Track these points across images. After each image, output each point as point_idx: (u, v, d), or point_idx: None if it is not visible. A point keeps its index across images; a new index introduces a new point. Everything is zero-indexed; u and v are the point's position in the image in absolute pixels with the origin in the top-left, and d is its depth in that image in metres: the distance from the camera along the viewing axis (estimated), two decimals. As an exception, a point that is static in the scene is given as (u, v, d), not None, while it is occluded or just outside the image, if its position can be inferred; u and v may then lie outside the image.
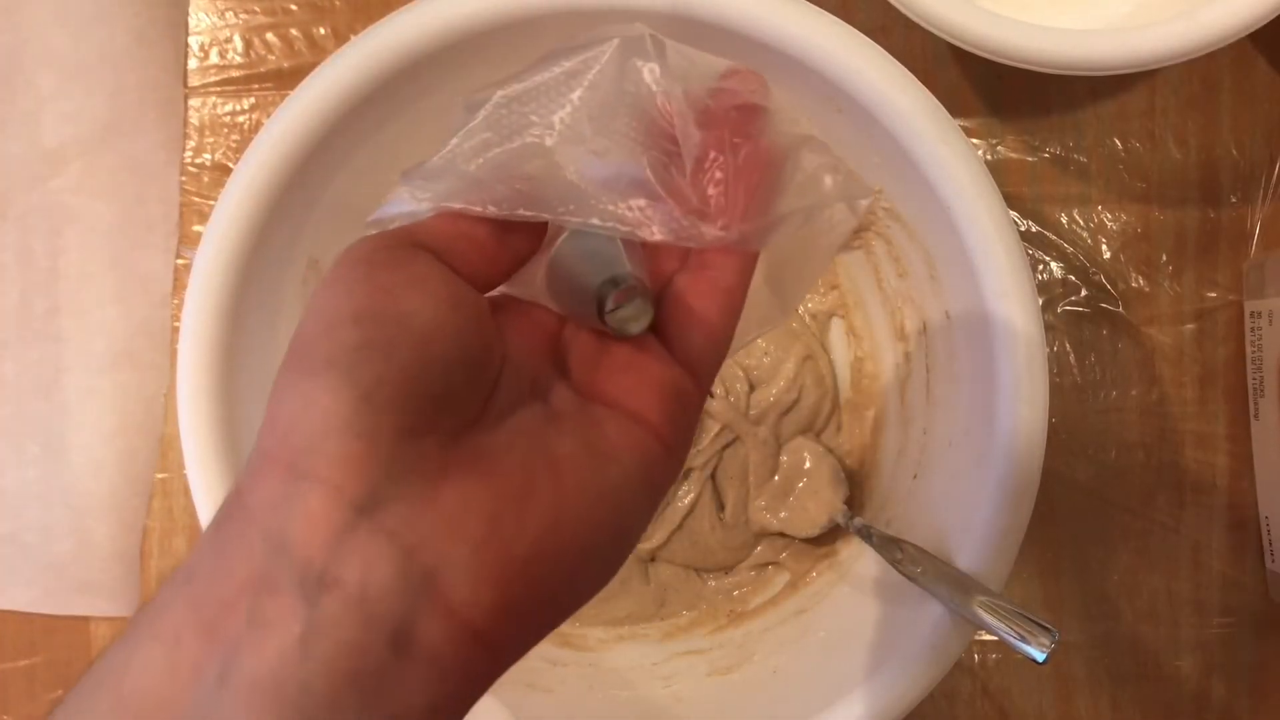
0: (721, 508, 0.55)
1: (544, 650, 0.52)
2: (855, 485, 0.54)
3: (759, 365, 0.54)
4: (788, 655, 0.49)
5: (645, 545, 0.54)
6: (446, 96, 0.47)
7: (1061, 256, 0.55)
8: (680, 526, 0.54)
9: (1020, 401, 0.41)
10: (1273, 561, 0.54)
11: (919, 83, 0.42)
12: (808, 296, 0.56)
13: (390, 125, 0.46)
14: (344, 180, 0.47)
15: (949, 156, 0.41)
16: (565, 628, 0.54)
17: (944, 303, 0.47)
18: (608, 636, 0.54)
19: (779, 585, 0.54)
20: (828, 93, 0.43)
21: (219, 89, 0.57)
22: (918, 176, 0.42)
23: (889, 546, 0.45)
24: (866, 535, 0.48)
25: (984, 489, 0.42)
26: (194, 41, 0.57)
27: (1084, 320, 0.55)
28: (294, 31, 0.57)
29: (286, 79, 0.57)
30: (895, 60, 0.42)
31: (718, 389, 0.54)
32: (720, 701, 0.48)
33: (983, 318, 0.42)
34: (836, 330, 0.56)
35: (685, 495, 0.54)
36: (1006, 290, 0.41)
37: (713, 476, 0.55)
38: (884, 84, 0.41)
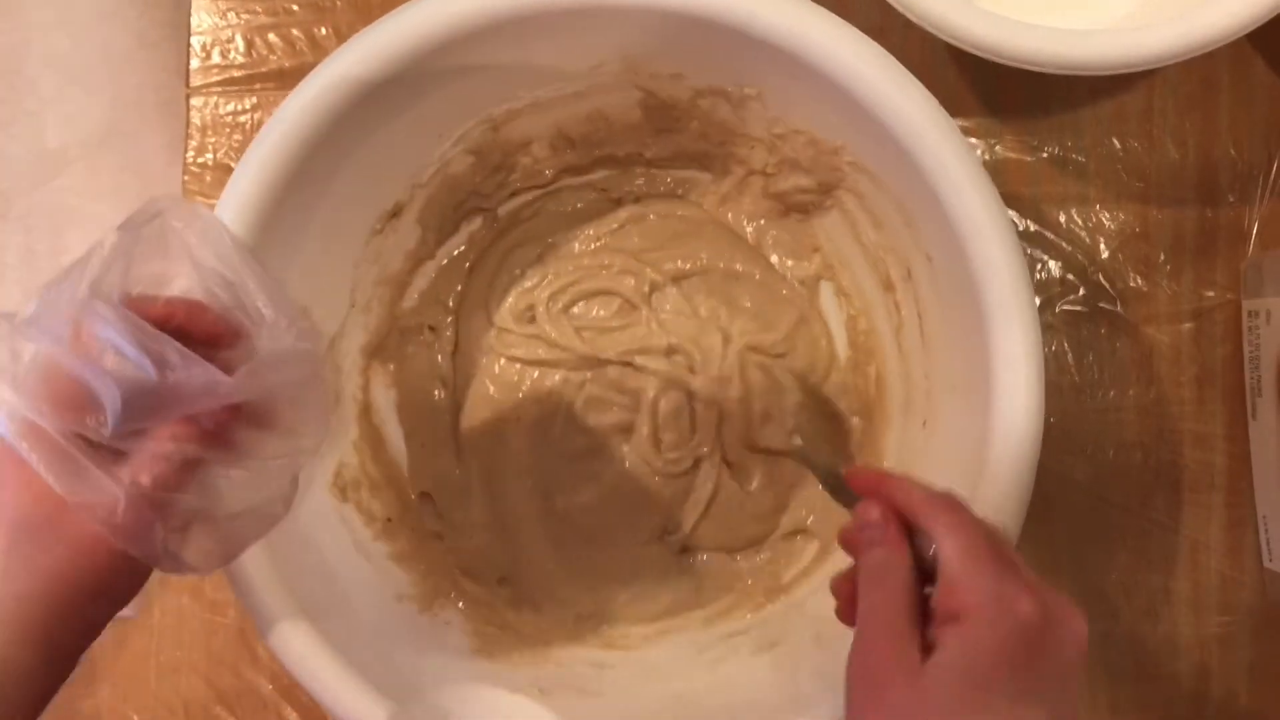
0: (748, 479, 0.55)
1: (590, 655, 0.52)
2: (870, 441, 0.54)
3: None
4: (827, 621, 0.49)
5: (674, 537, 0.55)
6: (439, 102, 0.47)
7: (1060, 256, 0.56)
8: (705, 514, 0.55)
9: (1011, 324, 0.41)
10: (1270, 560, 0.54)
11: (860, 32, 0.42)
12: (792, 264, 0.56)
13: (368, 144, 0.47)
14: (329, 207, 0.47)
15: (901, 100, 0.42)
16: (607, 629, 0.54)
17: (923, 247, 0.47)
18: (650, 632, 0.54)
19: (810, 555, 0.54)
20: (773, 57, 0.43)
21: (221, 89, 0.57)
22: (875, 125, 0.42)
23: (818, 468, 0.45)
24: (804, 457, 0.48)
25: (989, 425, 0.42)
26: (196, 42, 0.58)
27: (1082, 320, 0.55)
28: (295, 32, 0.57)
29: (288, 79, 0.57)
30: (834, 15, 0.42)
31: (712, 372, 0.54)
32: (769, 676, 0.48)
33: (961, 252, 0.42)
34: (826, 293, 0.56)
35: (704, 483, 0.54)
36: (979, 224, 0.41)
37: (726, 461, 0.55)
38: (827, 40, 0.42)
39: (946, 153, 0.41)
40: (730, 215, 0.56)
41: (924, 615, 0.34)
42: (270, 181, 0.43)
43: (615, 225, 0.56)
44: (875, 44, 0.42)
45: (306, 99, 0.43)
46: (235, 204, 0.43)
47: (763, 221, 0.56)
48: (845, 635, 0.47)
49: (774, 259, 0.56)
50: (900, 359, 0.52)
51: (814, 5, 0.42)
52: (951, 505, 0.35)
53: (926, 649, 0.32)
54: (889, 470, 0.45)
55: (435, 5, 0.43)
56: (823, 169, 0.50)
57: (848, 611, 0.37)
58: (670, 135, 0.53)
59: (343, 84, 0.43)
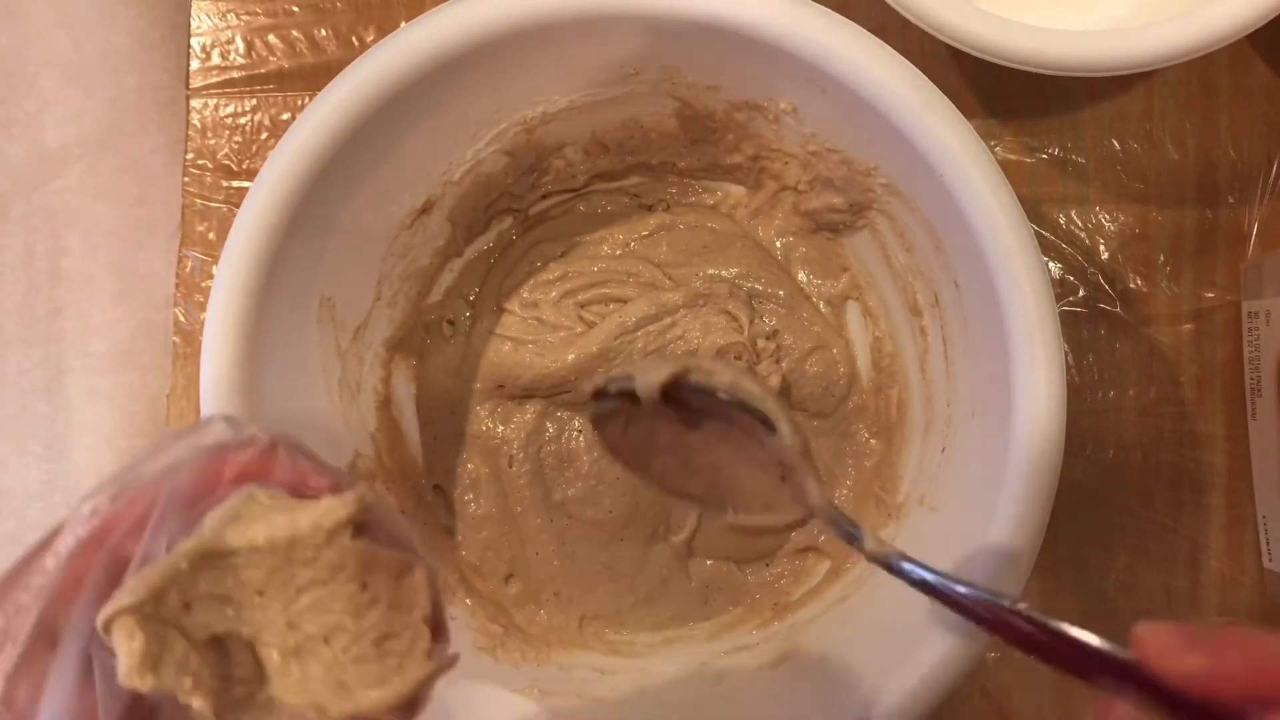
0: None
1: (593, 660, 0.52)
2: (887, 465, 0.54)
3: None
4: (834, 643, 0.49)
5: (678, 537, 0.55)
6: (475, 102, 0.47)
7: (1059, 257, 0.56)
8: (704, 513, 0.54)
9: (1035, 364, 0.41)
10: (1270, 561, 0.54)
11: (896, 53, 0.42)
12: (820, 282, 0.56)
13: (404, 143, 0.47)
14: (360, 202, 0.47)
15: (936, 125, 0.41)
16: (612, 635, 0.54)
17: (952, 272, 0.47)
18: (655, 640, 0.54)
19: (820, 574, 0.54)
20: (808, 74, 0.43)
21: (221, 90, 0.58)
22: (909, 148, 0.42)
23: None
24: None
25: (1009, 454, 0.42)
26: (196, 43, 0.58)
27: (1082, 320, 0.56)
28: (295, 33, 0.57)
29: (288, 80, 0.57)
30: (870, 34, 0.42)
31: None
32: (770, 696, 0.48)
33: (989, 282, 0.42)
34: (853, 312, 0.56)
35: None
36: (1009, 250, 0.41)
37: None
38: (862, 59, 0.42)
39: (980, 182, 0.41)
40: (761, 230, 0.56)
41: None
42: (304, 171, 0.43)
43: (645, 232, 0.56)
44: (911, 66, 0.42)
45: (342, 94, 0.43)
46: (267, 191, 0.43)
47: (792, 237, 0.56)
48: (851, 656, 0.47)
49: (802, 276, 0.56)
50: (923, 384, 0.52)
51: (851, 25, 0.42)
52: None
53: None
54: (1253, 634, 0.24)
55: (472, 7, 0.43)
56: (856, 189, 0.50)
57: None
58: (705, 146, 0.53)
59: (381, 80, 0.43)
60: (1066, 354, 0.55)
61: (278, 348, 0.45)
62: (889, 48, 0.42)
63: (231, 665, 0.25)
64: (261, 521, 0.26)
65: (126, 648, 0.23)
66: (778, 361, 0.53)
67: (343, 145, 0.43)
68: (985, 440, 0.45)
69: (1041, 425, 0.41)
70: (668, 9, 0.42)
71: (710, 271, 0.55)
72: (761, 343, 0.53)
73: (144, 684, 0.23)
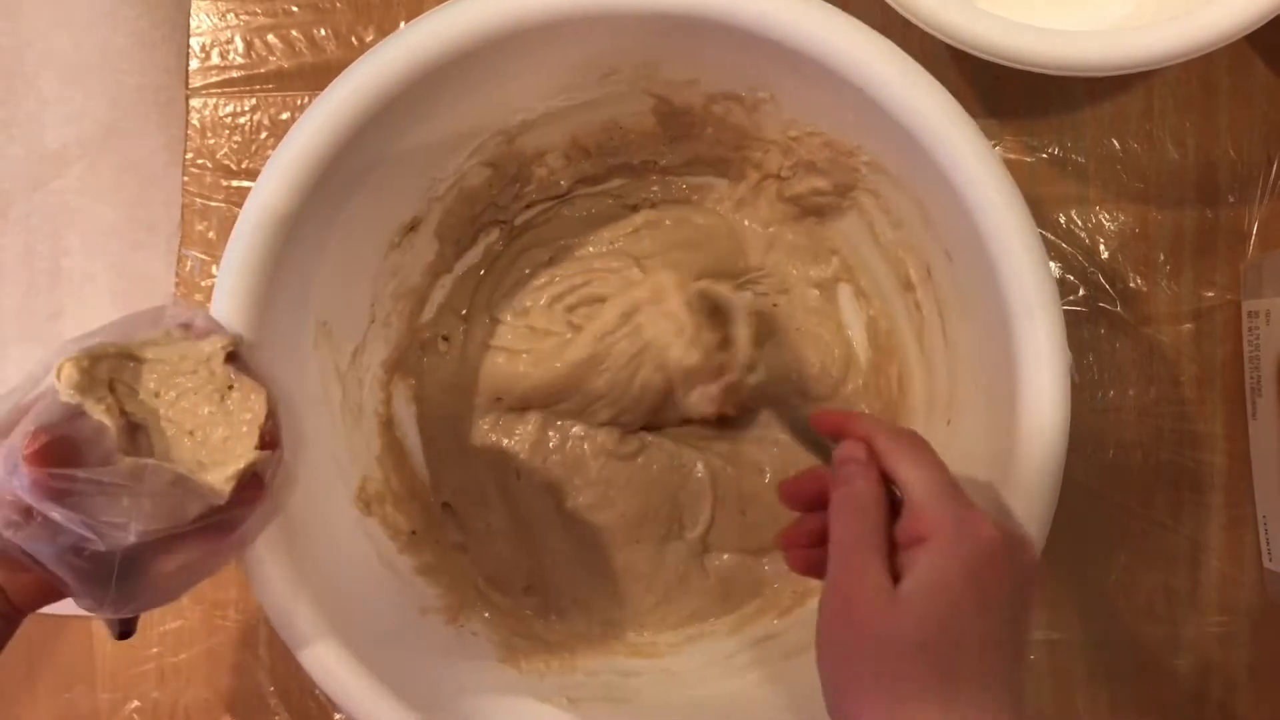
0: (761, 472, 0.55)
1: (616, 663, 0.52)
2: None
3: None
4: None
5: (692, 533, 0.54)
6: (454, 115, 0.47)
7: (1060, 256, 0.56)
8: (717, 506, 0.54)
9: (1035, 321, 0.41)
10: (1270, 560, 0.54)
11: (870, 29, 0.42)
12: (809, 267, 0.56)
13: (392, 151, 0.46)
14: (350, 217, 0.47)
15: (914, 94, 0.41)
16: (633, 636, 0.54)
17: (943, 243, 0.47)
18: (677, 639, 0.54)
19: None
20: (784, 57, 0.43)
21: (220, 90, 0.58)
22: (890, 122, 0.42)
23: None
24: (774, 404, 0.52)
25: (1015, 418, 0.41)
26: (195, 43, 0.58)
27: (1082, 320, 0.56)
28: (294, 33, 0.57)
29: (287, 80, 0.57)
30: (842, 12, 0.42)
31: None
32: (800, 682, 0.48)
33: (981, 245, 0.41)
34: (845, 295, 0.56)
35: (693, 465, 0.54)
36: (1000, 221, 0.41)
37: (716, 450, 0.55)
38: (836, 37, 0.41)
39: (965, 149, 0.41)
40: (747, 220, 0.56)
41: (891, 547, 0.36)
42: (288, 196, 0.43)
43: (629, 230, 0.56)
44: (888, 41, 0.42)
45: (324, 114, 0.43)
46: (255, 219, 0.43)
47: (778, 225, 0.56)
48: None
49: (791, 264, 0.56)
50: (923, 358, 0.52)
51: (825, 4, 0.42)
52: (915, 442, 0.38)
53: (895, 577, 0.35)
54: (854, 410, 0.51)
55: (442, 20, 0.42)
56: (839, 170, 0.50)
57: (801, 559, 0.41)
58: (685, 142, 0.53)
59: (359, 99, 0.43)
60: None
61: (279, 378, 0.45)
62: (863, 24, 0.42)
63: (134, 438, 0.37)
64: (169, 347, 0.38)
65: (68, 377, 0.35)
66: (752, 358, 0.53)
67: (328, 165, 0.43)
68: (991, 410, 0.45)
69: (1046, 390, 0.41)
70: (646, 4, 0.42)
71: (694, 264, 0.55)
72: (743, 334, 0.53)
73: (73, 399, 0.35)
